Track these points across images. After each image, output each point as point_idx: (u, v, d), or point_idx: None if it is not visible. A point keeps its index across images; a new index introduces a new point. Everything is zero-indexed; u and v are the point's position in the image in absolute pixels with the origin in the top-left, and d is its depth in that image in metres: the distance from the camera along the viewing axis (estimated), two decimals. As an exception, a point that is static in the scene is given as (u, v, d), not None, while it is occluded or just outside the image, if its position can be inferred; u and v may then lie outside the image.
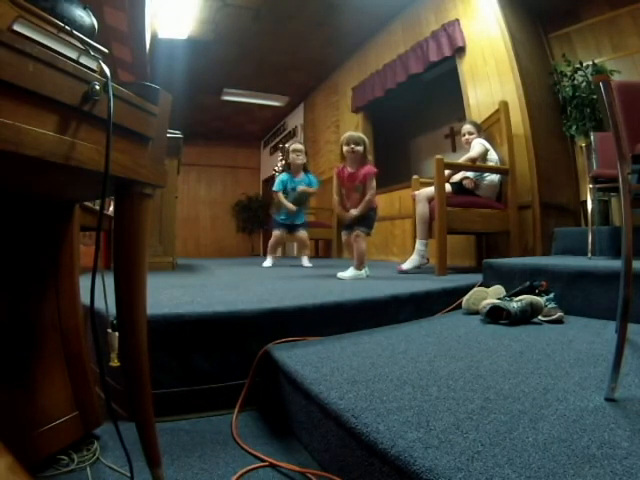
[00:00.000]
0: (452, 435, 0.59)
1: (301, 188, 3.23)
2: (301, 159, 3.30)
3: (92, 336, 0.60)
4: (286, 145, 3.54)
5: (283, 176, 3.31)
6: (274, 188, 3.29)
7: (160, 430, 0.74)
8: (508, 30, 2.97)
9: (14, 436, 0.67)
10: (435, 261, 2.39)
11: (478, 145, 2.62)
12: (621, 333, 0.76)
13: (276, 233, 3.30)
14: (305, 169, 3.35)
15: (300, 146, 3.37)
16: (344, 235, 2.36)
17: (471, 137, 2.76)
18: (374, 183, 2.25)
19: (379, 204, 2.42)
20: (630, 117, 0.91)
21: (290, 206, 3.20)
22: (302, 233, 3.38)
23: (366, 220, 2.26)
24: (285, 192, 3.26)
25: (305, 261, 3.35)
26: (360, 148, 2.23)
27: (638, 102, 0.95)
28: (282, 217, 3.30)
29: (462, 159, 2.58)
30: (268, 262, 3.32)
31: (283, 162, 3.49)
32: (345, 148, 2.25)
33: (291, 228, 3.34)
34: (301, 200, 3.28)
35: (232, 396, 1.04)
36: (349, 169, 2.27)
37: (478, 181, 2.63)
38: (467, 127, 2.82)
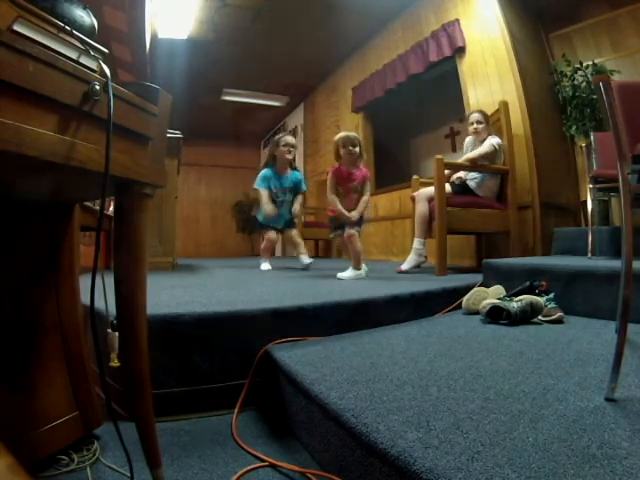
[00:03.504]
0: (452, 435, 0.59)
1: (295, 211, 2.96)
2: (291, 155, 2.94)
3: (92, 336, 0.60)
4: (275, 137, 3.11)
5: (266, 171, 2.92)
6: (255, 185, 2.92)
7: (160, 430, 0.74)
8: (508, 30, 2.97)
9: (14, 436, 0.67)
10: (435, 261, 2.39)
11: (489, 146, 2.50)
12: (621, 333, 0.76)
13: (270, 236, 3.03)
14: (292, 166, 3.02)
15: (293, 140, 3.00)
16: (337, 235, 2.35)
17: (480, 126, 2.60)
18: (369, 185, 2.34)
19: (379, 204, 2.43)
20: (630, 117, 0.91)
21: (269, 209, 2.83)
22: (293, 232, 3.10)
23: (361, 220, 2.30)
24: (269, 191, 2.88)
25: (305, 259, 3.00)
26: (357, 149, 2.25)
27: (638, 102, 0.95)
28: (266, 220, 2.96)
29: (473, 153, 2.52)
30: (267, 265, 3.06)
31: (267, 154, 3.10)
32: (343, 150, 2.25)
33: (281, 228, 3.09)
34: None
35: (232, 396, 1.04)
36: (347, 169, 2.27)
37: (478, 180, 2.61)
38: (475, 116, 2.62)
